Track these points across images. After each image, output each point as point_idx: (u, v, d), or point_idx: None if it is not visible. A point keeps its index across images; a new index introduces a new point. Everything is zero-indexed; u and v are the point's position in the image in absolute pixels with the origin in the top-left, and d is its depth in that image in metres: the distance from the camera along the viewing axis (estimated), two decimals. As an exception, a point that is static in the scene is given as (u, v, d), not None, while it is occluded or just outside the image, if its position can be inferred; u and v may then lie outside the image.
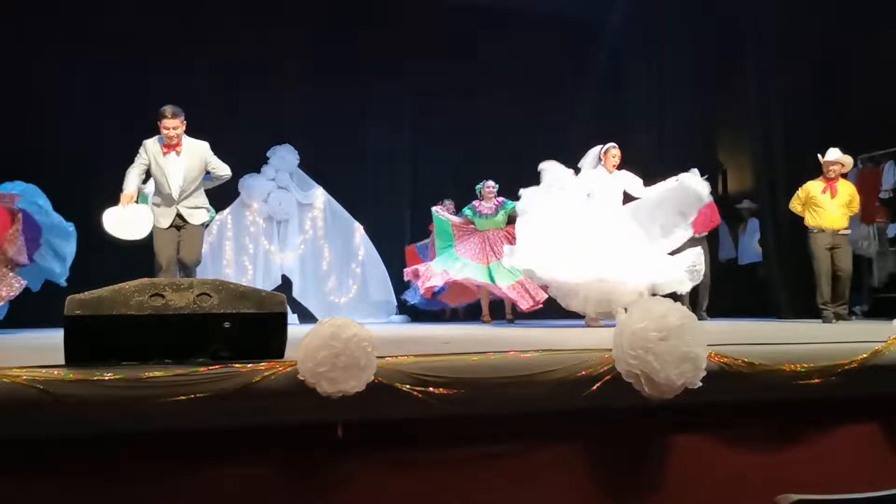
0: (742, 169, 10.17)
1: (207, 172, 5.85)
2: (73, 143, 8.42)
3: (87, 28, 8.53)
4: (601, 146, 6.74)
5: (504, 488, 2.74)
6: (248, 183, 9.52)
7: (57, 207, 7.73)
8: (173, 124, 5.63)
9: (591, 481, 2.84)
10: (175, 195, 5.71)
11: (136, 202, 5.70)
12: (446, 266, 8.23)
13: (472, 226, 8.56)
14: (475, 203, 8.54)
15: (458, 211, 9.46)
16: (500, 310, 8.76)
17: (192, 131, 5.79)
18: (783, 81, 8.72)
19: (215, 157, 5.85)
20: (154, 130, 5.73)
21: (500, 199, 8.48)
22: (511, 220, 8.38)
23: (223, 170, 5.90)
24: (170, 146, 5.68)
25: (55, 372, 2.36)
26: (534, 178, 8.58)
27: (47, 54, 8.38)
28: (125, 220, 5.57)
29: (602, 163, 6.72)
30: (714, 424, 3.01)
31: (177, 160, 5.70)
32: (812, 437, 3.12)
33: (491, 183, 8.51)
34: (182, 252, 5.76)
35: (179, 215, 5.75)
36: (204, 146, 5.80)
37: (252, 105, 9.27)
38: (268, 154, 9.66)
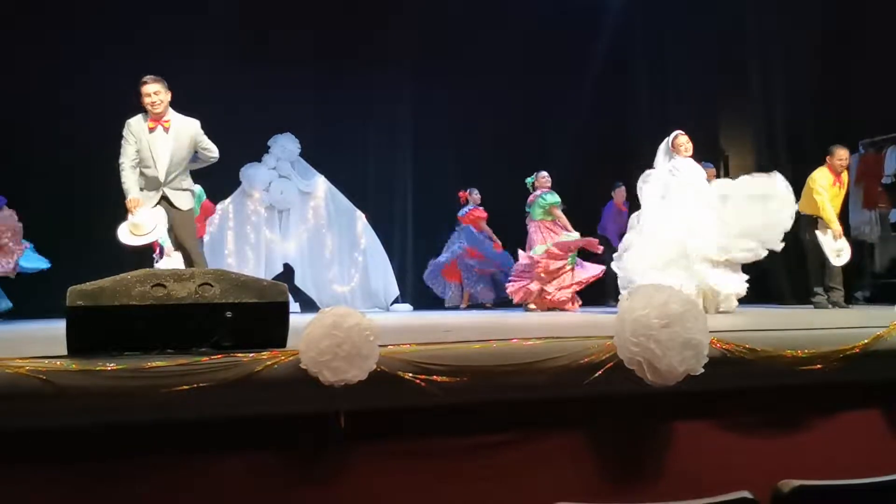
0: (744, 155, 10.14)
1: (195, 153, 5.44)
2: (72, 137, 8.39)
3: (85, 20, 8.49)
4: (670, 136, 6.47)
5: (506, 476, 2.75)
6: (250, 172, 9.51)
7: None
8: (154, 89, 5.15)
9: (593, 468, 2.85)
10: (161, 177, 5.25)
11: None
12: None
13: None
14: (546, 191, 8.42)
15: (483, 201, 9.52)
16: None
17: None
18: (785, 67, 8.69)
19: (206, 138, 5.41)
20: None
21: (539, 191, 8.41)
22: (548, 215, 8.38)
23: (212, 151, 5.47)
24: (156, 121, 5.21)
25: (58, 362, 2.37)
26: (534, 167, 8.58)
27: (43, 54, 8.34)
28: (139, 226, 5.15)
29: (674, 151, 6.40)
30: (716, 411, 3.01)
31: (164, 137, 5.24)
32: (814, 423, 3.12)
33: (545, 173, 8.44)
34: (179, 237, 5.40)
35: (165, 198, 5.32)
36: (194, 124, 5.36)
37: (253, 93, 9.23)
38: (269, 143, 9.64)
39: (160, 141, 5.25)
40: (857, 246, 8.49)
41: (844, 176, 7.18)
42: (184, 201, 5.40)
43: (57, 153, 8.49)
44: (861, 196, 8.62)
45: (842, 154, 7.07)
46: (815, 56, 8.62)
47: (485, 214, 9.57)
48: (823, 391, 3.11)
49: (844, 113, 8.66)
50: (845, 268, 7.17)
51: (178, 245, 5.45)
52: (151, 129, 5.24)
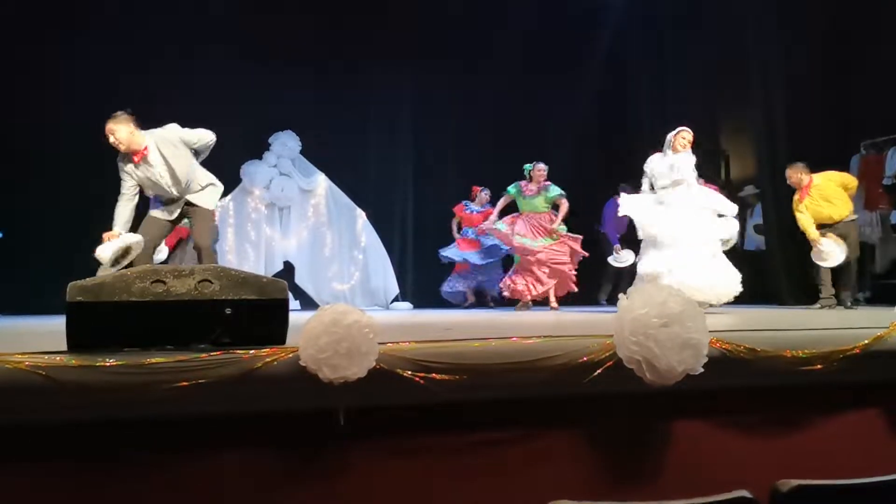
0: (744, 155, 10.14)
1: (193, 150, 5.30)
2: (71, 137, 8.38)
3: (85, 19, 8.48)
4: (673, 131, 6.51)
5: (505, 473, 2.75)
6: (250, 169, 9.51)
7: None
8: (109, 130, 4.99)
9: (591, 467, 2.85)
10: (176, 192, 5.24)
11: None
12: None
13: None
14: (522, 183, 8.32)
15: (493, 200, 9.44)
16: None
17: (194, 118, 5.56)
18: (786, 67, 8.69)
19: (189, 131, 5.25)
20: (157, 123, 5.28)
21: (546, 182, 8.28)
22: (554, 206, 8.31)
23: (204, 137, 5.30)
24: (134, 154, 5.07)
25: (57, 358, 2.37)
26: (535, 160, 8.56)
27: (46, 51, 8.34)
28: (118, 251, 4.94)
29: (671, 147, 6.45)
30: (715, 410, 3.01)
31: (152, 161, 5.10)
32: (813, 423, 3.12)
33: (542, 165, 8.31)
34: (195, 232, 5.40)
35: (189, 204, 5.30)
36: (173, 130, 5.20)
37: (254, 91, 9.24)
38: (269, 140, 9.65)
39: (151, 168, 5.13)
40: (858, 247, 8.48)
41: (810, 188, 7.40)
42: (207, 199, 5.37)
43: (57, 150, 8.49)
44: (862, 197, 8.61)
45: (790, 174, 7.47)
46: (815, 56, 8.61)
47: (458, 212, 9.52)
48: (823, 391, 3.11)
49: (845, 114, 8.66)
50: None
51: (193, 241, 5.44)
52: (136, 164, 5.11)
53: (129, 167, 5.13)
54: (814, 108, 8.62)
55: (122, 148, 5.07)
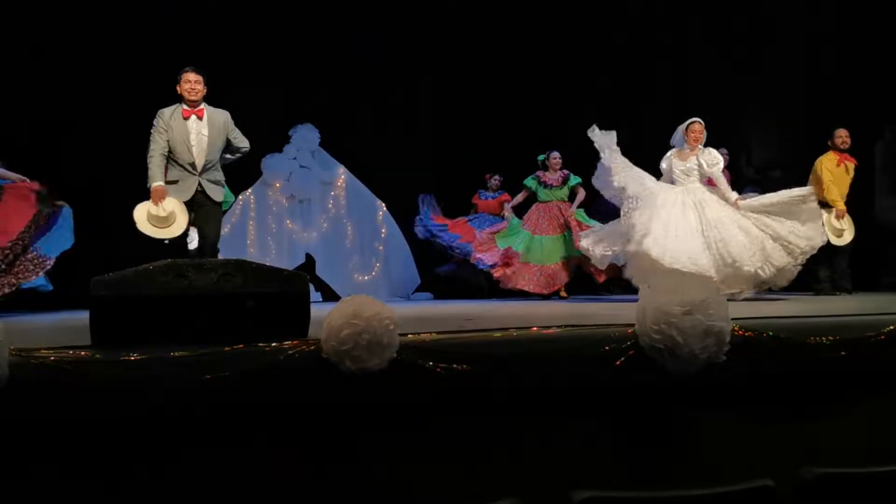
0: (768, 140, 10.03)
1: (227, 144, 5.50)
2: (93, 117, 8.40)
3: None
4: (686, 123, 6.40)
5: (526, 463, 2.75)
6: (270, 162, 9.54)
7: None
8: (196, 78, 5.26)
9: (613, 456, 2.84)
10: (199, 163, 5.32)
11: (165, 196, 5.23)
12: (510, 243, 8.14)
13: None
14: (539, 173, 8.36)
15: (502, 185, 9.39)
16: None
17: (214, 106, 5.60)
18: (807, 51, 8.59)
19: (236, 128, 5.52)
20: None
21: (565, 171, 8.31)
22: (572, 195, 8.32)
23: (243, 141, 5.57)
24: (191, 109, 5.29)
25: (82, 353, 2.40)
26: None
27: (65, 26, 8.36)
28: (160, 218, 5.20)
29: (685, 140, 6.33)
30: (738, 398, 3.00)
31: (199, 124, 5.32)
32: (837, 410, 3.09)
33: (556, 154, 8.35)
34: (203, 228, 5.45)
35: (200, 189, 5.36)
36: (225, 114, 5.46)
37: (273, 83, 9.25)
38: (290, 133, 9.67)
39: (195, 127, 5.33)
40: (884, 232, 8.37)
41: (850, 165, 7.26)
42: (217, 194, 5.48)
43: (81, 142, 8.53)
44: (888, 182, 8.49)
45: (841, 133, 7.28)
46: (838, 40, 8.50)
47: (476, 202, 9.51)
48: (847, 378, 3.08)
49: (870, 98, 8.53)
50: (873, 254, 7.17)
51: (200, 235, 5.49)
52: (186, 117, 5.30)
53: (173, 120, 5.28)
54: (838, 92, 8.50)
55: (196, 97, 5.29)
